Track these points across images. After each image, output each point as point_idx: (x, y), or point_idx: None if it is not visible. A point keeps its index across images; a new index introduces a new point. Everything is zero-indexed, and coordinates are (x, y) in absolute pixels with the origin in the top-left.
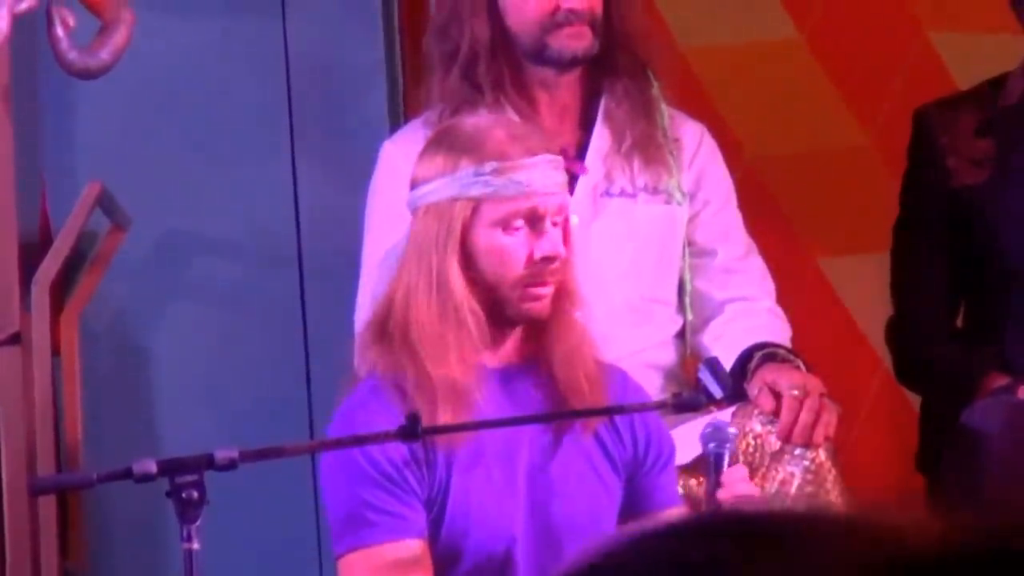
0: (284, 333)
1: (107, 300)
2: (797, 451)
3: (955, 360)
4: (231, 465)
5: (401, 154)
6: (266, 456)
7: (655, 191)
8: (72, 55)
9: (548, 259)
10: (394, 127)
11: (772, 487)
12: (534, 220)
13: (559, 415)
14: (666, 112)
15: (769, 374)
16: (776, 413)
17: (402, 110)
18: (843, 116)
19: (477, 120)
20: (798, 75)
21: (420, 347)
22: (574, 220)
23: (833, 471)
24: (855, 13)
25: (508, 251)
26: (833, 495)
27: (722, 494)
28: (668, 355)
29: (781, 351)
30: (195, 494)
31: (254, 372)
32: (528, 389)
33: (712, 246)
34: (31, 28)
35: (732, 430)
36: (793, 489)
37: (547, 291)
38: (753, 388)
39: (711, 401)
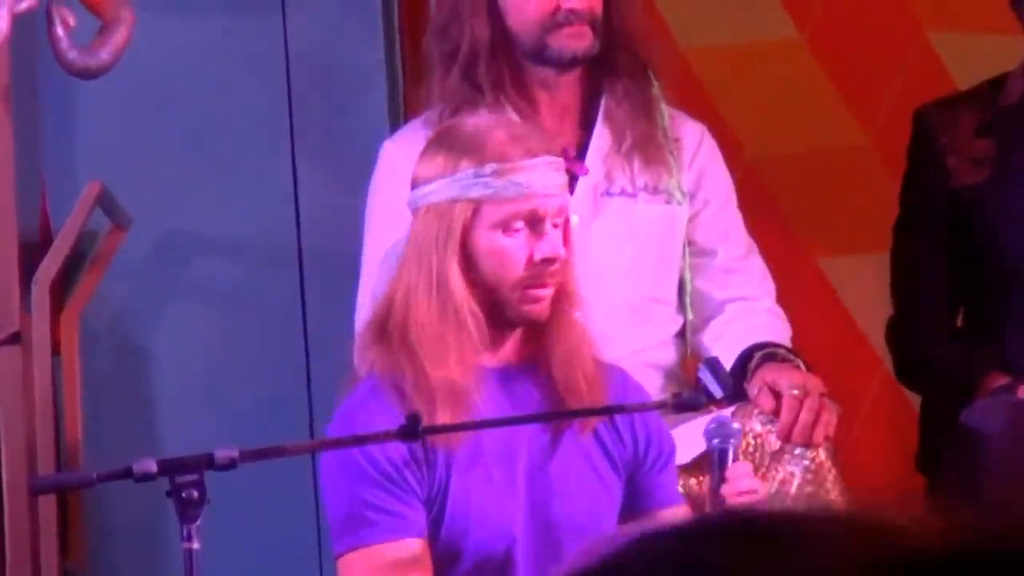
0: (284, 333)
1: (107, 300)
2: (797, 451)
3: (955, 360)
4: (231, 465)
5: (401, 154)
6: (266, 456)
7: (655, 191)
8: (72, 55)
9: (548, 260)
10: (394, 127)
11: (772, 487)
12: (534, 222)
13: (558, 415)
14: (666, 112)
15: (769, 374)
16: (776, 413)
17: (402, 110)
18: (843, 116)
19: (477, 120)
20: (798, 75)
21: (419, 348)
22: (574, 220)
23: (833, 471)
24: (855, 13)
25: (508, 252)
26: (833, 495)
27: (726, 489)
28: (668, 355)
29: (781, 351)
30: (195, 494)
31: (254, 372)
32: (527, 389)
33: (712, 246)
34: (31, 28)
35: (736, 425)
36: (793, 489)
37: (546, 293)
38: (753, 388)
39: (711, 401)
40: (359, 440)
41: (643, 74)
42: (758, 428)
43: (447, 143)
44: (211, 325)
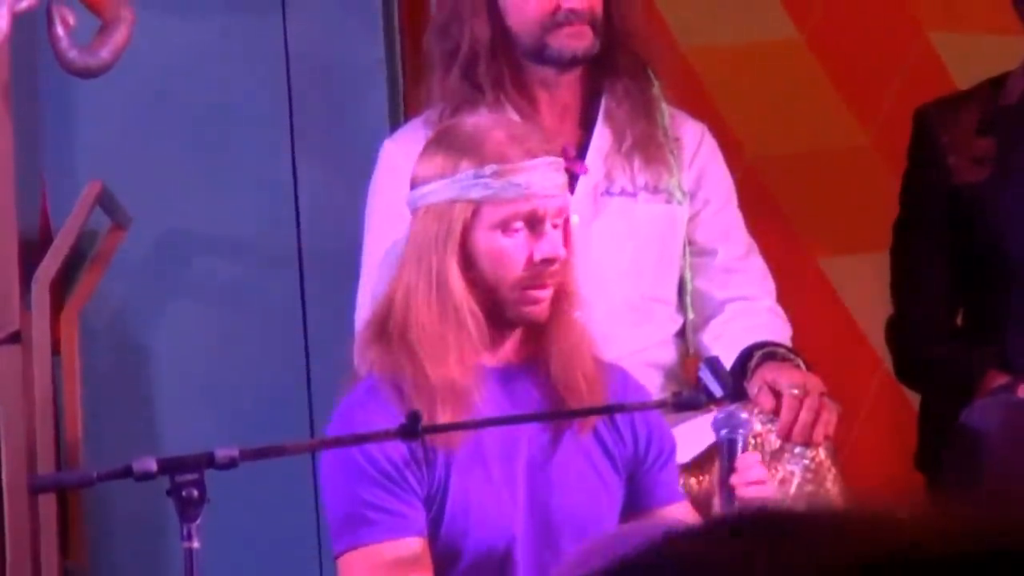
0: (284, 333)
1: (107, 299)
2: (797, 450)
3: (955, 359)
4: (231, 464)
5: (402, 153)
6: (266, 455)
7: (655, 190)
8: (72, 54)
9: (548, 261)
10: (394, 127)
11: (772, 486)
12: (534, 222)
13: (558, 414)
14: (667, 111)
15: (769, 373)
16: (776, 412)
17: (402, 110)
18: (843, 116)
19: (477, 120)
20: (798, 75)
21: (419, 347)
22: (575, 220)
23: (833, 470)
24: (855, 13)
25: (508, 253)
26: (833, 494)
27: (735, 479)
28: (668, 354)
29: (781, 350)
30: (195, 493)
31: (254, 372)
32: (527, 389)
33: (712, 245)
34: (31, 27)
35: (744, 415)
36: (793, 488)
37: (546, 294)
38: (753, 387)
39: (711, 400)
40: (359, 439)
41: (643, 74)
42: (758, 427)
43: (446, 143)
44: (211, 325)
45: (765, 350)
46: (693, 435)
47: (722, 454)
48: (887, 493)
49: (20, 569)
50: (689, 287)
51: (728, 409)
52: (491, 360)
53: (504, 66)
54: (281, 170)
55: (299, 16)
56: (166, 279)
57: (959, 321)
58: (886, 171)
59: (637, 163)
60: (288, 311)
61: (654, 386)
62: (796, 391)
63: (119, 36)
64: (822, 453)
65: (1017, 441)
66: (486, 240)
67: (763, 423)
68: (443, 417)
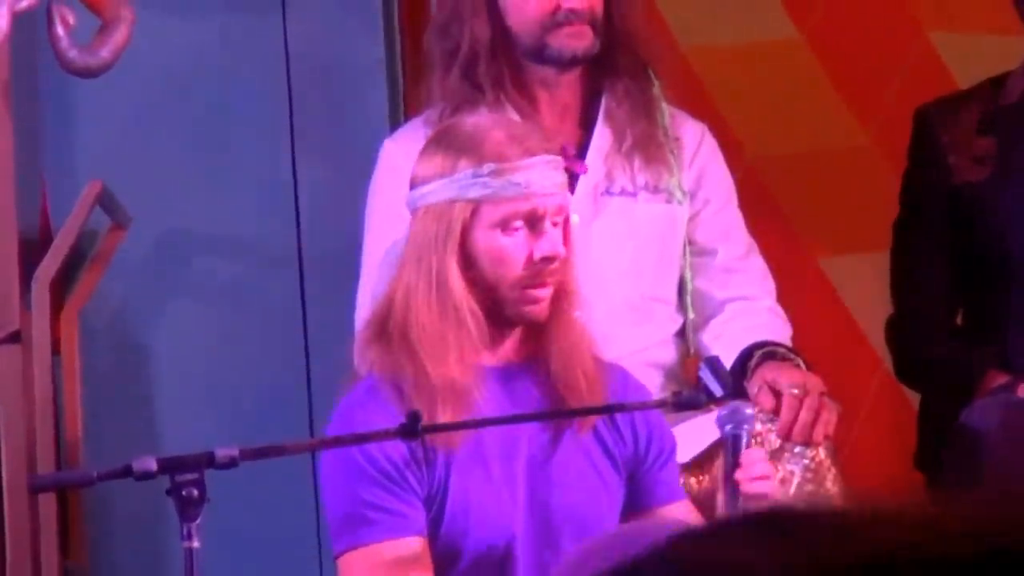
0: (284, 333)
1: (107, 298)
2: (797, 449)
3: (955, 359)
4: (231, 463)
5: (402, 153)
6: (266, 454)
7: (656, 190)
8: (72, 53)
9: (547, 259)
10: (394, 126)
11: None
12: (533, 221)
13: (558, 413)
14: (667, 111)
15: (769, 372)
16: (776, 411)
17: (402, 109)
18: (843, 116)
19: (476, 120)
20: (799, 75)
21: (420, 347)
22: (575, 219)
23: (833, 470)
24: (856, 13)
25: (507, 252)
26: (833, 494)
27: (740, 475)
28: (668, 354)
29: (781, 350)
30: (195, 492)
31: (254, 372)
32: (527, 388)
33: (713, 245)
34: (31, 26)
35: (749, 411)
36: (793, 488)
37: (546, 293)
38: (753, 386)
39: (711, 400)
40: (359, 438)
41: (643, 74)
42: (758, 427)
43: (445, 143)
44: (211, 324)
45: (765, 350)
46: (693, 435)
47: (726, 449)
48: (887, 493)
49: (20, 568)
50: (689, 287)
51: (732, 405)
52: (491, 359)
53: (504, 66)
54: (281, 170)
55: (299, 16)
56: (166, 279)
57: (959, 321)
58: (886, 171)
59: (637, 163)
60: (288, 311)
61: (654, 386)
62: (796, 391)
63: (119, 36)
64: (822, 453)
65: (1017, 441)
66: (485, 239)
67: (763, 423)
68: (444, 416)
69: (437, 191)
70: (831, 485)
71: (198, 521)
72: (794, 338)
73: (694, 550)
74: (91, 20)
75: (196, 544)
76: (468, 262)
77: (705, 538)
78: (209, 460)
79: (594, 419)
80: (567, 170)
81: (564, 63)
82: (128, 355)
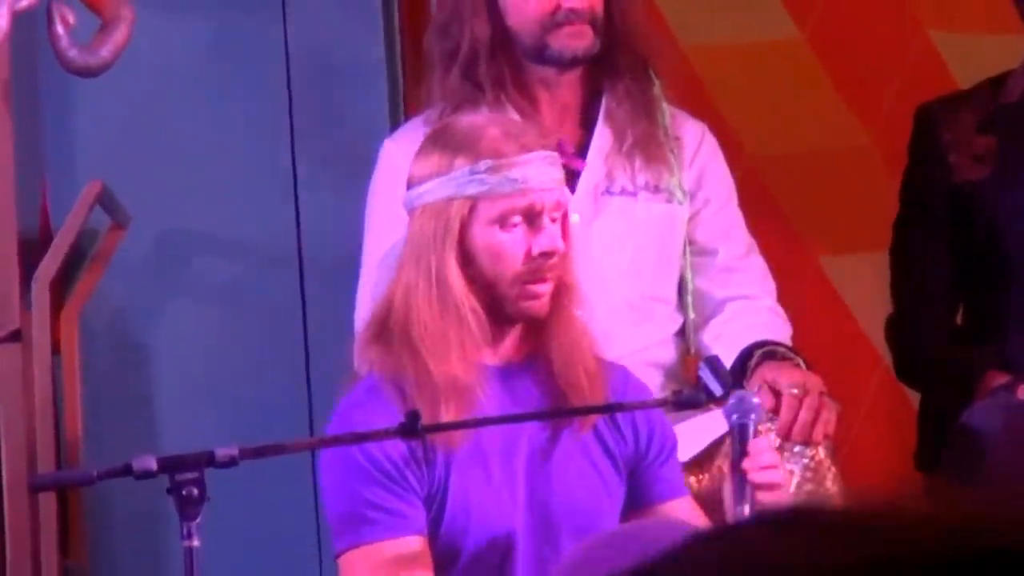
0: (284, 333)
1: (107, 298)
2: (796, 449)
3: (955, 358)
4: (231, 462)
5: (402, 152)
6: (266, 453)
7: (656, 190)
8: (72, 53)
9: (546, 254)
10: (394, 126)
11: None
12: (531, 216)
13: (558, 413)
14: (667, 111)
15: (769, 372)
16: (776, 411)
17: (402, 109)
18: (843, 115)
19: (473, 119)
20: (799, 74)
21: (421, 345)
22: (575, 218)
23: (832, 469)
24: (856, 13)
25: (506, 248)
26: (832, 493)
27: (748, 464)
28: (668, 353)
29: (781, 349)
30: (195, 491)
31: (254, 371)
32: (528, 386)
33: (713, 245)
34: (31, 26)
35: (756, 400)
36: (792, 487)
37: (545, 288)
38: (753, 386)
39: (711, 399)
40: (359, 437)
41: (644, 73)
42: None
43: (441, 142)
44: (211, 324)
45: (765, 349)
46: (693, 434)
47: (733, 439)
48: (886, 492)
49: (20, 567)
50: (690, 286)
51: (739, 394)
52: (492, 358)
53: (504, 66)
54: (281, 170)
55: (299, 16)
56: (166, 279)
57: (959, 320)
58: (886, 170)
59: (638, 162)
60: (288, 311)
61: (654, 385)
62: (796, 390)
63: (119, 35)
64: (822, 452)
65: (1017, 443)
66: (484, 236)
67: (763, 422)
68: (446, 415)
69: (434, 190)
70: (831, 484)
71: (198, 520)
72: (794, 338)
73: (710, 551)
74: (91, 19)
75: (196, 543)
76: (467, 260)
77: (721, 539)
78: (209, 459)
79: (595, 418)
80: (566, 167)
81: (564, 63)
82: (128, 355)
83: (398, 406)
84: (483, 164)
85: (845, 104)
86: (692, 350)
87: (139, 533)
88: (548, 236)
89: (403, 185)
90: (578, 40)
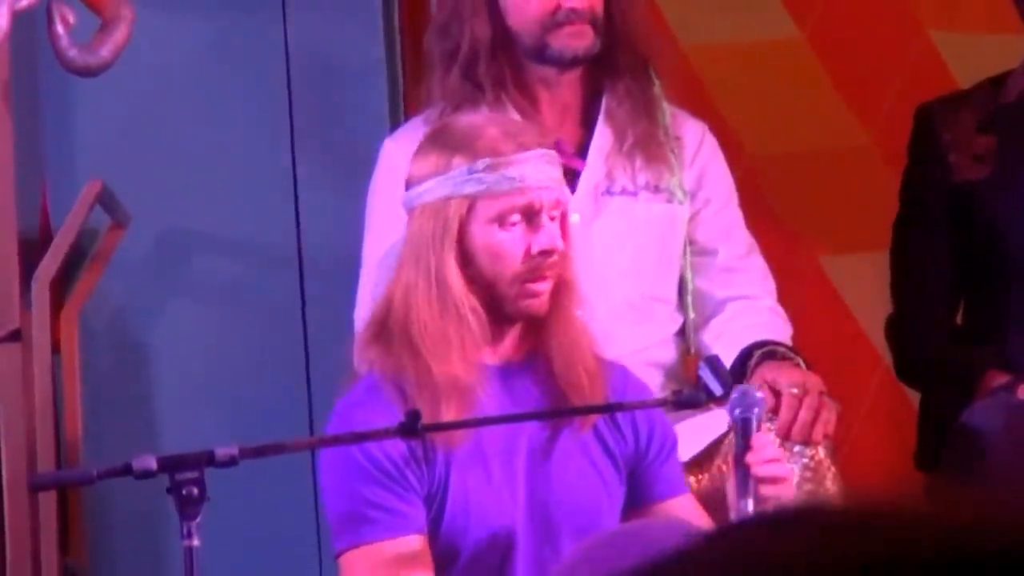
0: (284, 333)
1: (107, 297)
2: (796, 448)
3: (955, 358)
4: (231, 462)
5: (401, 152)
6: (266, 453)
7: (656, 190)
8: (72, 52)
9: (546, 253)
10: (394, 126)
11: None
12: (530, 215)
13: (558, 412)
14: (667, 111)
15: (769, 372)
16: (775, 411)
17: (402, 109)
18: (844, 115)
19: (471, 118)
20: (799, 74)
21: (422, 345)
22: (575, 218)
23: (832, 469)
24: (856, 12)
25: (505, 247)
26: (832, 493)
27: (751, 458)
28: (668, 353)
29: (781, 349)
30: (195, 491)
31: (254, 371)
32: (528, 386)
33: (713, 245)
34: (31, 25)
35: (759, 394)
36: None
37: (545, 287)
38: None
39: (711, 399)
40: (359, 437)
41: (644, 73)
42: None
43: (440, 142)
44: (211, 324)
45: (765, 349)
46: (693, 434)
47: (737, 433)
48: (886, 492)
49: (20, 567)
50: (690, 286)
51: (741, 388)
52: (492, 358)
53: (505, 66)
54: (281, 170)
55: (299, 16)
56: (166, 279)
57: (959, 320)
58: (886, 170)
59: (638, 162)
60: (288, 311)
61: (654, 385)
62: (795, 390)
63: (119, 35)
64: (821, 452)
65: (1017, 443)
66: (483, 235)
67: (763, 422)
68: (447, 414)
69: (433, 189)
70: (830, 484)
71: (198, 520)
72: (794, 338)
73: (711, 551)
74: (91, 19)
75: (196, 543)
76: (466, 259)
77: (721, 539)
78: (209, 459)
79: (595, 417)
80: (565, 167)
81: (565, 63)
82: (128, 354)
83: (398, 406)
84: (481, 163)
85: (845, 104)
86: (692, 350)
87: (139, 533)
88: (547, 235)
89: (403, 185)
90: (578, 40)
